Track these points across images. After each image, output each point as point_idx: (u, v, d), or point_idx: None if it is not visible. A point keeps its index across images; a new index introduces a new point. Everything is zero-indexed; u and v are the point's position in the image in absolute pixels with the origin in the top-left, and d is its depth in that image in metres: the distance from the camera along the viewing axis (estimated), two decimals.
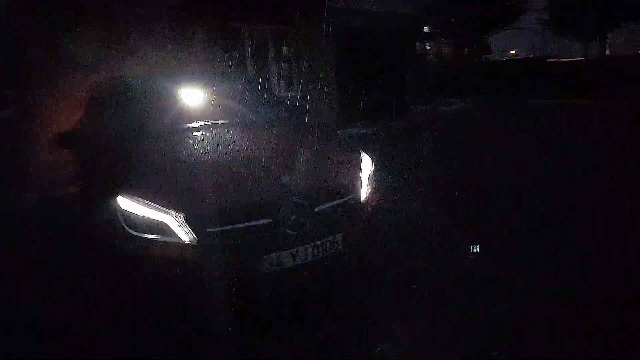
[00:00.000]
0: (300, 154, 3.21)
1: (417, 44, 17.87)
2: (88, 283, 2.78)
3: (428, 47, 25.36)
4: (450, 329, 2.62)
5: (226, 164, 2.90)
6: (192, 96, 3.89)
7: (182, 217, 2.44)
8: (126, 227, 2.48)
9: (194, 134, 3.38)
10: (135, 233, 2.48)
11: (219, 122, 3.60)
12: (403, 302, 2.93)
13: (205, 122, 3.53)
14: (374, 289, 3.08)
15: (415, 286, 3.10)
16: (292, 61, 10.97)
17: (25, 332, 2.71)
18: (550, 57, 18.77)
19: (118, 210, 2.50)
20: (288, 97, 9.87)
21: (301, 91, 10.32)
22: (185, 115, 3.61)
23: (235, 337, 2.55)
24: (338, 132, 8.05)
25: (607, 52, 18.04)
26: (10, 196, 5.58)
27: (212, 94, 3.87)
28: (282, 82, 10.70)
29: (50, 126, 5.01)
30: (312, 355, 2.47)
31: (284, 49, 11.06)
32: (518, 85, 15.95)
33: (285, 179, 2.68)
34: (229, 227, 2.48)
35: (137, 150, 3.03)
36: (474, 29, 18.60)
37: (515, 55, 27.47)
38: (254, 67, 10.07)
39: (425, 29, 19.72)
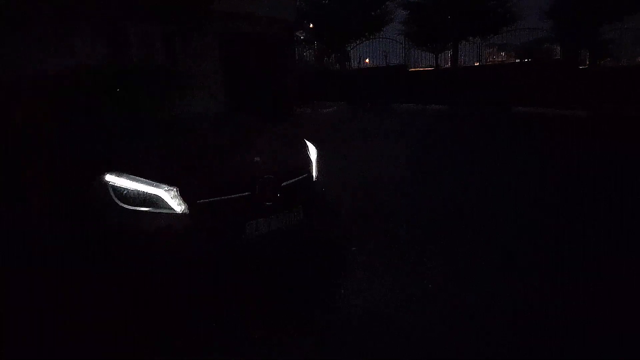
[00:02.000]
0: (264, 139, 3.63)
1: (296, 49, 18.71)
2: (82, 251, 2.87)
3: (305, 53, 26.55)
4: (382, 279, 3.26)
5: (204, 146, 3.22)
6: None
7: (176, 190, 2.73)
8: (116, 201, 2.70)
9: (160, 122, 3.61)
10: (126, 206, 2.70)
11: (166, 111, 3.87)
12: (345, 259, 3.58)
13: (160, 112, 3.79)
14: (326, 251, 3.69)
15: (354, 248, 3.74)
16: (181, 63, 10.98)
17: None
18: (410, 67, 20.99)
19: (109, 187, 2.70)
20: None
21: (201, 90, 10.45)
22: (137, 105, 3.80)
23: (224, 294, 2.92)
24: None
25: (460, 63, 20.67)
26: None
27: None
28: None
29: None
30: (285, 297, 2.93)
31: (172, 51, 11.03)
32: (385, 90, 17.73)
33: (257, 159, 3.11)
34: (216, 198, 2.83)
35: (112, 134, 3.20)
36: (339, 38, 20.11)
37: (370, 63, 29.76)
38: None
39: (300, 35, 20.81)
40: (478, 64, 20.93)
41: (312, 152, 3.71)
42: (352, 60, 23.89)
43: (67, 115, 3.37)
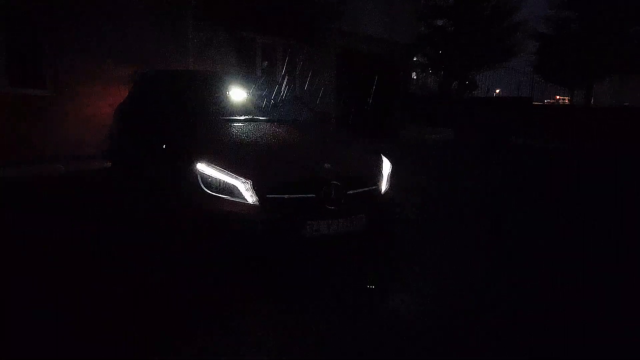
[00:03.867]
0: (338, 151, 3.95)
1: (416, 72, 18.78)
2: (173, 226, 3.46)
3: (414, 77, 26.52)
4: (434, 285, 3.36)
5: (281, 148, 3.64)
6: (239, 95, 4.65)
7: (250, 183, 3.14)
8: (202, 185, 3.18)
9: (250, 125, 4.11)
10: (209, 191, 3.17)
11: (268, 118, 4.38)
12: (404, 267, 3.74)
13: (255, 117, 4.31)
14: (386, 257, 3.93)
15: (416, 263, 3.87)
16: (300, 75, 11.77)
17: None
18: (534, 100, 20.00)
19: (198, 174, 3.20)
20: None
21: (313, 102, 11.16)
22: (236, 110, 4.37)
23: (277, 279, 3.27)
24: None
25: (592, 101, 19.34)
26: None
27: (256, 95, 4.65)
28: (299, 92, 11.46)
29: None
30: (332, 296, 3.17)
31: (292, 63, 11.87)
32: (501, 123, 16.99)
33: (327, 165, 3.42)
34: (284, 196, 3.19)
35: (205, 130, 3.75)
36: (463, 65, 19.74)
37: (500, 94, 28.67)
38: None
39: (416, 58, 20.86)
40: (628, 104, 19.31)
41: (386, 167, 3.93)
42: (479, 89, 23.36)
43: (179, 110, 4.00)
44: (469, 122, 18.09)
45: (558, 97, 28.15)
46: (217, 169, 3.21)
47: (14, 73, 6.90)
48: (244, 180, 3.16)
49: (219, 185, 3.17)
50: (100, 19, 7.38)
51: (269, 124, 4.22)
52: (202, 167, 3.22)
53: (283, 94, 5.22)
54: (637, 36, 17.12)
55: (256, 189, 3.15)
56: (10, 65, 6.84)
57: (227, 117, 4.15)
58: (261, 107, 4.56)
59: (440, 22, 19.91)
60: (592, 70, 17.74)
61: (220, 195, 3.16)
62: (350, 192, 3.42)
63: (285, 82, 10.30)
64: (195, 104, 4.17)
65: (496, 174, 8.73)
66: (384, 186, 3.79)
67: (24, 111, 6.90)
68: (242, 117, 4.26)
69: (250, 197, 3.14)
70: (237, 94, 4.57)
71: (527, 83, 21.39)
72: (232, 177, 3.17)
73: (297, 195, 3.23)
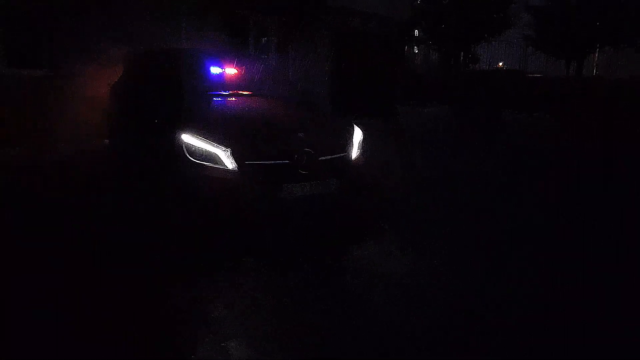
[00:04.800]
0: (312, 122, 4.31)
1: (406, 47, 18.87)
2: (159, 191, 3.86)
3: (416, 51, 26.52)
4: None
5: (259, 120, 4.00)
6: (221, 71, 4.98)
7: (229, 151, 3.51)
8: (186, 154, 3.56)
9: (231, 99, 4.46)
10: (192, 159, 3.55)
11: (247, 92, 4.71)
12: (367, 229, 4.17)
13: (236, 92, 4.64)
14: (352, 218, 4.32)
15: (384, 225, 4.27)
16: (293, 53, 11.99)
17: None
18: (530, 73, 20.12)
19: (183, 144, 3.57)
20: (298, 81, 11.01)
21: (295, 79, 11.45)
22: (219, 85, 4.70)
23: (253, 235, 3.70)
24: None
25: (595, 72, 19.37)
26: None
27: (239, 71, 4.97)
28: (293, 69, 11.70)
29: None
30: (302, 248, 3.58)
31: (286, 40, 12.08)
32: (495, 96, 17.17)
33: (301, 135, 3.79)
34: (260, 162, 3.57)
35: (189, 105, 4.10)
36: (460, 38, 19.82)
37: (503, 67, 28.65)
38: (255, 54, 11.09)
39: (415, 33, 20.94)
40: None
41: (357, 136, 4.29)
42: (481, 63, 23.39)
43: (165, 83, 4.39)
44: (464, 96, 18.30)
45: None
46: (200, 139, 3.58)
47: (12, 54, 7.19)
48: (224, 148, 3.53)
49: (202, 153, 3.55)
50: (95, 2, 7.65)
51: (250, 98, 4.58)
52: (187, 138, 3.59)
53: (267, 71, 5.55)
54: (630, 7, 17.15)
55: (235, 156, 3.52)
56: (9, 47, 7.12)
57: (211, 92, 4.49)
58: (245, 83, 4.89)
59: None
60: (583, 42, 17.83)
61: (203, 163, 3.53)
62: (322, 158, 3.79)
63: (273, 60, 10.64)
64: (181, 80, 4.52)
65: (469, 144, 9.00)
66: (354, 153, 4.16)
67: (24, 91, 7.22)
68: (226, 92, 4.60)
69: (230, 163, 3.52)
70: (219, 70, 4.90)
71: (530, 56, 21.46)
72: (213, 146, 3.54)
73: (272, 162, 3.61)
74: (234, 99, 4.52)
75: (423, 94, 18.17)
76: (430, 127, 12.47)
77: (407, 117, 14.44)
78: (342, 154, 4.02)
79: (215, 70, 4.97)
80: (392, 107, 14.81)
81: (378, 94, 13.78)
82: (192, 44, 9.25)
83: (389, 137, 10.57)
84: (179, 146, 3.59)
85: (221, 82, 4.87)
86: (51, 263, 3.21)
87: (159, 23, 8.69)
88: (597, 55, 21.37)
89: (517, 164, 7.52)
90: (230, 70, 5.11)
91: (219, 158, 3.52)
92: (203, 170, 3.53)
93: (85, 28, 7.61)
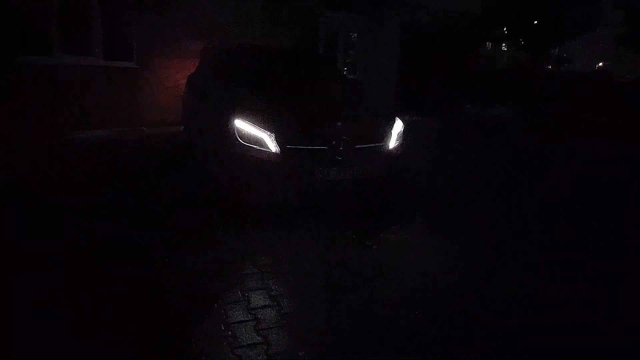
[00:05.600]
0: (353, 113, 4.70)
1: (479, 46, 18.42)
2: (214, 168, 4.47)
3: (504, 49, 25.73)
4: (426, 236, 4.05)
5: (302, 110, 4.44)
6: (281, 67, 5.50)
7: (273, 136, 3.98)
8: (237, 138, 4.07)
9: (283, 90, 4.94)
10: (242, 142, 4.05)
11: (300, 85, 5.17)
12: (400, 215, 4.47)
13: (290, 84, 5.12)
14: (385, 204, 4.69)
15: (418, 214, 4.56)
16: (360, 48, 12.32)
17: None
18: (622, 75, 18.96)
19: (235, 129, 4.09)
20: (354, 77, 11.40)
21: (362, 75, 11.80)
22: (276, 79, 5.20)
23: (292, 212, 4.18)
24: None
25: None
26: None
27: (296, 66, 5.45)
28: (349, 65, 12.07)
29: None
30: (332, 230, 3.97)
31: (353, 37, 12.43)
32: (576, 98, 16.41)
33: (338, 123, 4.18)
34: (300, 146, 4.00)
35: (243, 95, 4.63)
36: (541, 36, 19.09)
37: (604, 68, 27.03)
38: (325, 49, 11.54)
39: (495, 31, 20.38)
40: None
41: (397, 128, 4.60)
42: (574, 63, 22.40)
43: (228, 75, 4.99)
44: (538, 98, 17.65)
45: None
46: (249, 124, 4.08)
47: (108, 49, 8.18)
48: (269, 133, 4.00)
49: (250, 137, 4.05)
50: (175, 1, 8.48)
51: (299, 90, 5.02)
52: (239, 123, 4.11)
53: (323, 65, 5.98)
54: None
55: (278, 140, 3.98)
56: (104, 41, 8.11)
57: (265, 84, 4.99)
58: (299, 76, 5.35)
59: None
60: None
61: (251, 145, 4.03)
62: (358, 146, 4.15)
63: (334, 56, 10.99)
64: (242, 72, 5.07)
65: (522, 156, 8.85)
66: (392, 144, 4.48)
67: (116, 81, 8.19)
68: (279, 85, 5.08)
69: (274, 147, 3.98)
70: (279, 65, 5.41)
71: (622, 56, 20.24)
72: (260, 130, 4.03)
73: (311, 147, 4.03)
74: (288, 91, 4.98)
75: (499, 93, 17.77)
76: (486, 128, 12.23)
77: (469, 116, 14.34)
78: (379, 144, 4.35)
79: (278, 66, 5.50)
80: (456, 105, 14.71)
81: (442, 92, 13.78)
82: (265, 40, 9.88)
83: (441, 133, 10.70)
84: (232, 131, 4.12)
85: (281, 76, 5.38)
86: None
87: (235, 20, 9.41)
88: None
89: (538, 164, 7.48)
90: (290, 66, 5.61)
91: (264, 142, 4.00)
92: (250, 152, 4.03)
93: (168, 25, 8.46)
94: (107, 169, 5.67)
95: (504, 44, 25.64)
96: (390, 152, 4.44)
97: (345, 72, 12.02)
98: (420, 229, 4.33)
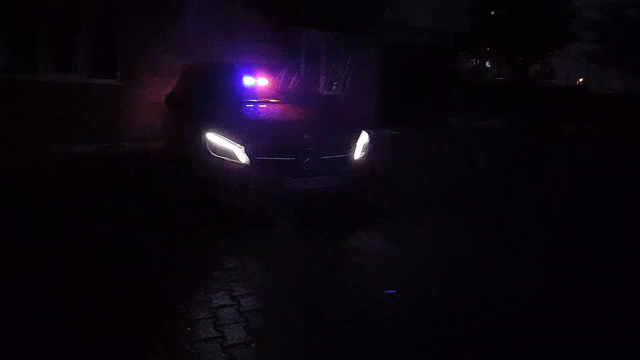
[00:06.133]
0: (321, 126, 4.96)
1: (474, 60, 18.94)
2: (185, 179, 4.67)
3: (488, 66, 26.34)
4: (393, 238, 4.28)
5: (272, 123, 4.69)
6: (254, 81, 5.75)
7: (243, 148, 4.21)
8: (209, 150, 4.29)
9: (253, 105, 5.19)
10: (214, 154, 4.28)
11: (271, 100, 5.42)
12: (365, 219, 4.72)
13: (261, 99, 5.38)
14: (349, 210, 4.90)
15: (381, 220, 4.81)
16: (342, 65, 12.62)
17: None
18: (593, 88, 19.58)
19: (207, 140, 4.32)
20: (329, 94, 11.72)
21: (343, 91, 12.12)
22: (248, 93, 5.46)
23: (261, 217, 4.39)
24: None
25: None
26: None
27: (270, 82, 5.70)
28: (327, 82, 12.35)
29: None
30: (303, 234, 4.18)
31: (336, 54, 12.73)
32: (553, 111, 16.99)
33: (306, 136, 4.43)
34: (269, 158, 4.23)
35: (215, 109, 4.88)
36: (517, 52, 19.67)
37: (584, 83, 27.74)
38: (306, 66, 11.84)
39: (471, 48, 20.93)
40: None
41: (362, 139, 4.86)
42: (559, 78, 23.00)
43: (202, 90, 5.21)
44: (522, 110, 18.17)
45: None
46: (220, 137, 4.31)
47: (92, 66, 8.40)
48: (239, 146, 4.23)
49: (222, 149, 4.28)
50: (161, 18, 8.74)
51: (269, 104, 5.29)
52: (210, 136, 4.34)
53: (297, 81, 6.25)
54: None
55: (247, 152, 4.21)
56: (89, 59, 8.33)
57: (237, 99, 5.25)
58: (272, 92, 5.62)
59: (494, 12, 19.95)
60: None
61: (222, 157, 4.26)
62: (324, 157, 4.40)
63: (312, 72, 11.26)
64: (215, 88, 5.33)
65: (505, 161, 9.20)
66: (357, 154, 4.73)
67: (99, 98, 8.40)
68: (255, 100, 5.34)
69: (243, 158, 4.21)
70: (252, 80, 5.68)
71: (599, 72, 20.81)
72: (230, 143, 4.26)
73: (279, 158, 4.26)
74: (259, 105, 5.23)
75: (484, 107, 18.24)
76: (470, 138, 12.63)
77: (453, 128, 14.72)
78: (344, 154, 4.60)
79: (248, 80, 5.75)
80: (439, 118, 15.06)
81: (425, 106, 14.12)
82: (247, 57, 10.16)
83: (420, 145, 11.02)
84: (204, 143, 4.35)
85: (253, 91, 5.63)
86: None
87: (218, 37, 9.69)
88: None
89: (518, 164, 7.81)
90: (262, 81, 5.87)
91: (234, 154, 4.23)
92: (222, 164, 4.25)
93: (151, 43, 8.71)
94: (88, 181, 5.89)
95: (487, 62, 26.31)
96: (356, 163, 4.69)
97: (333, 88, 12.32)
98: (381, 233, 4.53)
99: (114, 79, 8.66)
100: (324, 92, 12.04)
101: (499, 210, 5.42)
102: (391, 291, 2.80)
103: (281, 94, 5.63)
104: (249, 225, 4.37)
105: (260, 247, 3.94)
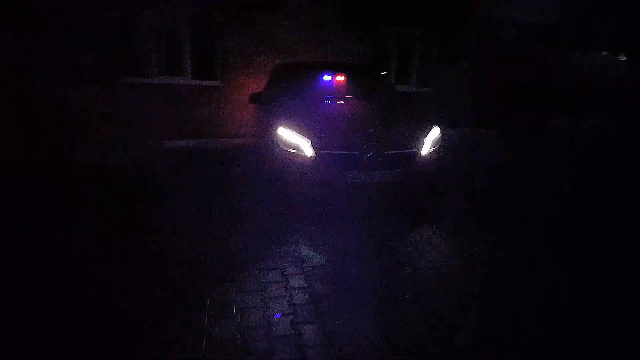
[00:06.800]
0: (388, 121, 5.08)
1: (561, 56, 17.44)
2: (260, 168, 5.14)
3: (623, 59, 24.08)
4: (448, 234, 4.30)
5: (339, 118, 4.93)
6: (332, 79, 6.01)
7: (309, 142, 4.49)
8: (279, 144, 4.64)
9: (328, 102, 5.46)
10: (284, 147, 4.61)
11: (347, 97, 5.67)
12: (428, 216, 4.75)
13: (337, 96, 5.63)
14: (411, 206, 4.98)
15: (435, 216, 4.81)
16: (432, 62, 12.40)
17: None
18: None
19: (277, 134, 4.67)
20: (417, 91, 11.64)
21: (433, 87, 11.95)
22: (325, 91, 5.74)
23: (322, 209, 4.67)
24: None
25: None
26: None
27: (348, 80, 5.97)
28: (416, 78, 12.20)
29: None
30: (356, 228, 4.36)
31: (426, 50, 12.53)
32: None
33: (371, 130, 4.60)
34: (333, 151, 4.47)
35: (289, 106, 5.22)
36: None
37: None
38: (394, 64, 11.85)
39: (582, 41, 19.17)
40: None
41: (432, 135, 4.89)
42: None
43: (281, 89, 5.63)
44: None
45: None
46: (289, 131, 4.64)
47: (195, 69, 9.27)
48: (306, 139, 4.52)
49: (290, 143, 4.60)
50: (256, 24, 9.38)
51: (344, 101, 5.52)
52: (281, 130, 4.69)
53: (374, 79, 6.41)
54: None
55: (314, 146, 4.49)
56: (193, 63, 9.21)
57: (314, 97, 5.55)
58: (349, 89, 5.85)
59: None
60: None
61: (290, 150, 4.58)
62: (388, 152, 4.53)
63: (396, 70, 11.21)
64: (294, 86, 5.70)
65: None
66: (426, 150, 4.77)
67: (201, 98, 9.25)
68: (327, 97, 5.61)
69: (309, 152, 4.50)
70: (330, 78, 5.95)
71: None
72: (298, 137, 4.57)
73: (343, 152, 4.48)
74: (333, 102, 5.49)
75: (593, 106, 16.74)
76: (567, 140, 11.68)
77: (553, 129, 13.67)
78: (410, 150, 4.68)
79: (327, 79, 6.04)
80: (539, 118, 14.12)
81: (522, 105, 13.36)
82: (337, 56, 10.48)
83: (509, 145, 10.48)
84: (275, 137, 4.71)
85: (331, 89, 5.89)
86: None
87: (310, 38, 10.14)
88: None
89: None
90: (340, 79, 6.11)
91: (301, 147, 4.53)
92: (290, 156, 4.58)
93: (249, 46, 9.39)
94: (183, 168, 6.76)
95: (604, 52, 24.05)
96: (423, 159, 4.73)
97: (422, 84, 12.19)
98: (445, 232, 4.54)
99: (215, 80, 9.45)
100: (413, 88, 12.00)
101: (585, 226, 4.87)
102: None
103: (357, 91, 5.83)
104: (311, 215, 4.65)
105: (316, 235, 4.23)
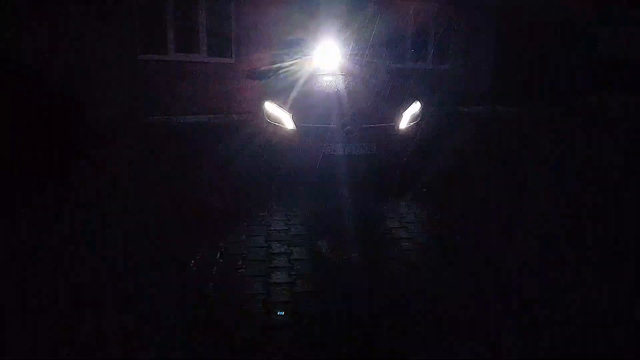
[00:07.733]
0: (370, 96, 5.30)
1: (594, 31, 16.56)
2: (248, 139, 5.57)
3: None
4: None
5: (323, 93, 5.25)
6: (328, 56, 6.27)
7: (291, 115, 4.82)
8: (266, 117, 5.00)
9: (317, 77, 5.75)
10: (269, 121, 4.97)
11: (339, 73, 5.93)
12: (399, 190, 5.01)
13: (329, 72, 5.91)
14: (385, 179, 5.20)
15: (424, 189, 5.05)
16: (451, 38, 12.30)
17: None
18: None
19: (264, 109, 5.03)
20: (434, 68, 11.64)
21: (451, 64, 11.92)
22: (319, 67, 6.03)
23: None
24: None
25: None
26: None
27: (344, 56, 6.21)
28: (434, 55, 12.17)
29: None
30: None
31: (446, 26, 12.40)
32: None
33: (348, 105, 4.88)
34: (312, 124, 4.78)
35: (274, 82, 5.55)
36: None
37: None
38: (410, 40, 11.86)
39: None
40: None
41: (411, 110, 5.11)
42: None
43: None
44: None
45: None
46: (274, 106, 4.98)
47: (210, 47, 9.67)
48: (287, 113, 4.86)
49: (274, 117, 4.95)
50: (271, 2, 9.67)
51: (334, 77, 5.79)
52: (267, 105, 5.05)
53: (371, 55, 6.63)
54: None
55: (294, 119, 4.82)
56: (208, 41, 9.61)
57: (305, 72, 5.83)
58: (344, 65, 6.10)
59: None
60: None
61: (274, 123, 4.93)
62: (365, 125, 4.80)
63: (412, 46, 11.16)
64: (289, 62, 6.03)
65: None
66: (404, 124, 5.01)
67: (216, 74, 9.66)
68: (318, 73, 5.89)
69: (290, 125, 4.83)
70: (326, 54, 6.21)
71: None
72: (281, 111, 4.91)
73: (321, 125, 4.78)
74: (322, 77, 5.77)
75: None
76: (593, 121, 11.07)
77: (583, 108, 13.13)
78: (386, 124, 4.93)
79: (322, 55, 6.30)
80: (571, 95, 13.73)
81: (553, 81, 13.07)
82: (349, 31, 10.59)
83: (530, 126, 10.29)
84: (263, 111, 5.07)
85: (325, 65, 6.15)
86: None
87: (323, 14, 10.32)
88: None
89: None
90: (336, 55, 6.36)
91: (283, 121, 4.87)
92: (275, 129, 4.93)
93: (262, 23, 9.69)
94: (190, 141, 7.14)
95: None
96: (399, 132, 4.97)
97: (440, 61, 12.14)
98: (412, 204, 4.75)
99: (229, 57, 9.83)
100: (430, 66, 12.01)
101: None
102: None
103: (351, 68, 6.09)
104: (292, 183, 5.04)
105: (296, 199, 4.62)
